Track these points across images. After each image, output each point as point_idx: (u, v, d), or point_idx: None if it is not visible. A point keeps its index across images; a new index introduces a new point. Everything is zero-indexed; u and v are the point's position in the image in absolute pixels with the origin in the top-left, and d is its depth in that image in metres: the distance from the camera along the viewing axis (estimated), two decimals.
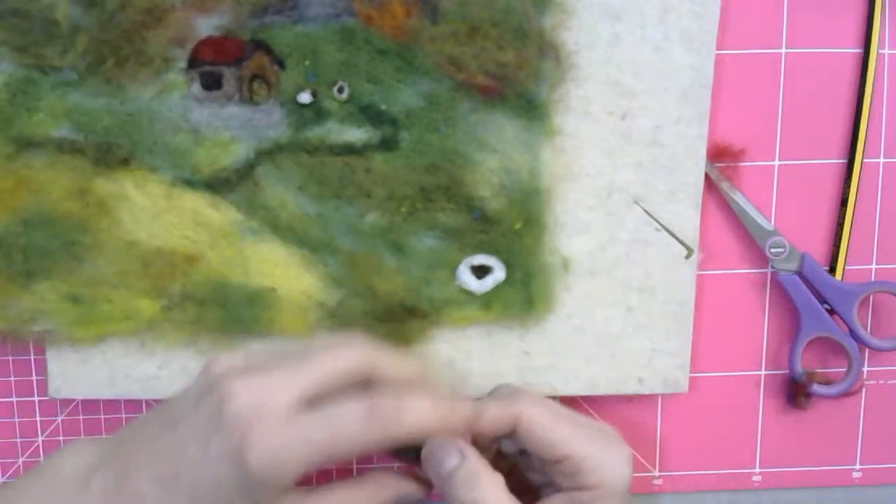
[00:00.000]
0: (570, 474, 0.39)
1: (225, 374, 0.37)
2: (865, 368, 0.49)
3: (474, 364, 0.46)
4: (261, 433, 0.35)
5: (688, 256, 0.46)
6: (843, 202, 0.47)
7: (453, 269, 0.44)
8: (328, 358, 0.37)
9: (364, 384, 0.38)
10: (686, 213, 0.45)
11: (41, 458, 0.49)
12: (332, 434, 0.35)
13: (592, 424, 0.41)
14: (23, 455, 0.49)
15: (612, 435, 0.41)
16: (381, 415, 0.35)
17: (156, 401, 0.48)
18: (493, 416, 0.39)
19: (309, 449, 0.35)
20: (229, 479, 0.35)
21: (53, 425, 0.48)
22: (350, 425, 0.35)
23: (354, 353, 0.38)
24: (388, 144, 0.43)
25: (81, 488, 0.38)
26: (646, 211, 0.45)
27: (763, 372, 0.49)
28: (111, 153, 0.43)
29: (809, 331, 0.47)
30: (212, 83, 0.42)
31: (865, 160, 0.47)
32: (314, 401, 0.36)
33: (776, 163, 0.47)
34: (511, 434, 0.40)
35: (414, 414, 0.36)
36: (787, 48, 0.46)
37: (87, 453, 0.39)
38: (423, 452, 0.39)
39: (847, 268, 0.47)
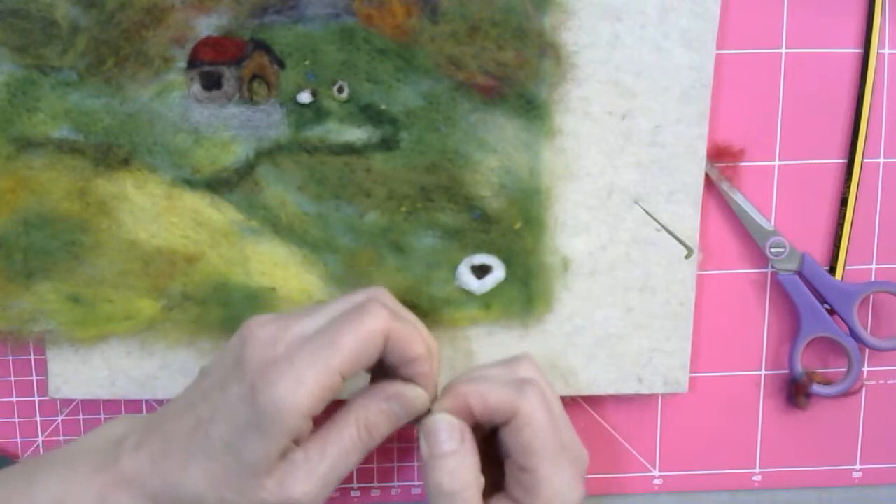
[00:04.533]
0: (525, 486, 0.39)
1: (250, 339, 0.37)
2: (865, 368, 0.49)
3: (474, 364, 0.46)
4: (277, 373, 0.35)
5: (688, 256, 0.46)
6: (843, 202, 0.47)
7: (453, 268, 0.44)
8: (351, 339, 0.37)
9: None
10: (686, 213, 0.45)
11: None
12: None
13: (572, 447, 0.41)
14: (23, 455, 0.49)
15: (581, 463, 0.41)
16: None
17: (156, 401, 0.48)
18: (495, 405, 0.39)
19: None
20: (243, 417, 0.36)
21: (53, 425, 0.48)
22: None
23: (375, 326, 0.37)
24: (388, 144, 0.43)
25: (113, 448, 0.38)
26: (646, 211, 0.45)
27: (763, 372, 0.49)
28: (111, 153, 0.43)
29: (809, 331, 0.47)
30: (212, 83, 0.42)
31: (865, 160, 0.47)
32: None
33: (776, 163, 0.47)
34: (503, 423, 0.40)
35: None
36: (787, 48, 0.46)
37: (122, 424, 0.40)
38: (424, 423, 0.40)
39: (847, 268, 0.47)
